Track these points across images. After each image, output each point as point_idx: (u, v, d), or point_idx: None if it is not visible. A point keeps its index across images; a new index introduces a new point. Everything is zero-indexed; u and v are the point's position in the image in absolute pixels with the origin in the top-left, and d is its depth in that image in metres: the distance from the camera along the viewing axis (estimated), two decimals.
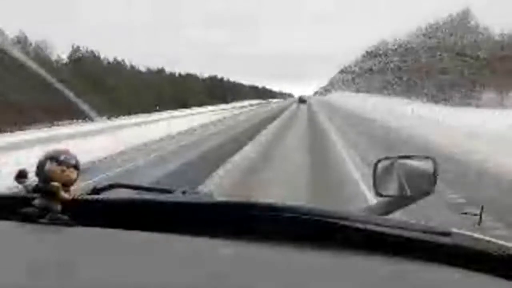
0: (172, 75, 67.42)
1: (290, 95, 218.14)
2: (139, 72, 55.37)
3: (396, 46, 53.54)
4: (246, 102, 75.72)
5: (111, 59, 49.79)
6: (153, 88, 48.08)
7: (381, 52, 58.81)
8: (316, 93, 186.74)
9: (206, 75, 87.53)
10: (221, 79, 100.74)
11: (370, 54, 65.63)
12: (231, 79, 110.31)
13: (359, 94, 60.78)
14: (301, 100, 68.30)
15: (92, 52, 45.74)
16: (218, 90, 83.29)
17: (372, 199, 3.95)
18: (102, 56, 48.03)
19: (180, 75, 70.50)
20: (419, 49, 46.24)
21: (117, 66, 50.79)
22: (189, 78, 73.11)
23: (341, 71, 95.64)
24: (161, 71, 64.08)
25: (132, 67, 53.89)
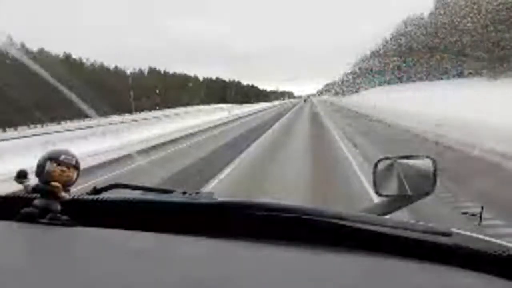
0: None
1: (290, 95, 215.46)
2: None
3: (396, 46, 53.37)
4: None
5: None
6: None
7: (381, 52, 58.63)
8: (319, 92, 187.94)
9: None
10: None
11: (373, 54, 65.46)
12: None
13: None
14: (304, 100, 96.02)
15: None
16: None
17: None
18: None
19: None
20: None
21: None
22: None
23: (349, 72, 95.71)
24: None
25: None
